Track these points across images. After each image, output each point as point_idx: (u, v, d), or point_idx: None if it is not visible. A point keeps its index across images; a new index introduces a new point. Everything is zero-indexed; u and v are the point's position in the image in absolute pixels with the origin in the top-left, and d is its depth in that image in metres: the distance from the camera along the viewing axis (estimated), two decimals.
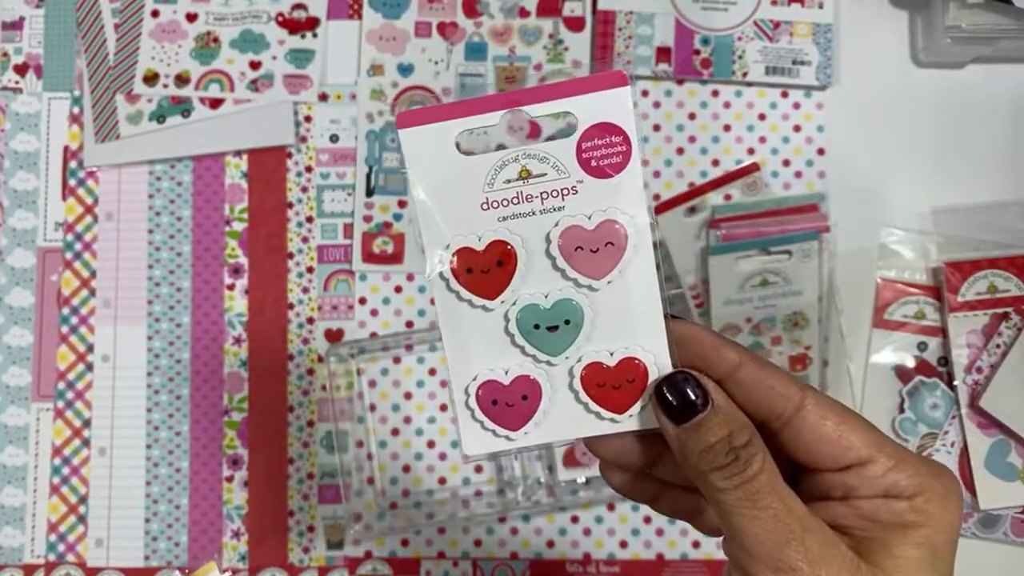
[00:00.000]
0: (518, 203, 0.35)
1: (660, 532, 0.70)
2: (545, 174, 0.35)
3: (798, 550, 0.31)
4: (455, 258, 0.35)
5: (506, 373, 0.36)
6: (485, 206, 0.35)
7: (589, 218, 0.34)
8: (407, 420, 0.71)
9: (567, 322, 0.35)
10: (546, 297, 0.35)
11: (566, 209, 0.35)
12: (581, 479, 0.69)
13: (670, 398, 0.33)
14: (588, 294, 0.35)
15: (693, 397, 0.33)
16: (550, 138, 0.33)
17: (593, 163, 0.35)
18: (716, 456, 0.32)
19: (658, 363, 0.35)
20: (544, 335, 0.35)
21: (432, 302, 0.36)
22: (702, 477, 0.33)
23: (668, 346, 0.35)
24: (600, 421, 0.35)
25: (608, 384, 0.35)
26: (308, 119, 0.74)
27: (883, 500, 0.33)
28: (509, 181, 0.35)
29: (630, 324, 0.35)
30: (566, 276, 0.35)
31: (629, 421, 0.35)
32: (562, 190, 0.35)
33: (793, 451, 0.34)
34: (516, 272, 0.35)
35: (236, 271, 0.73)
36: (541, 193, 0.35)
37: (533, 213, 0.35)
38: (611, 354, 0.35)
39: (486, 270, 0.35)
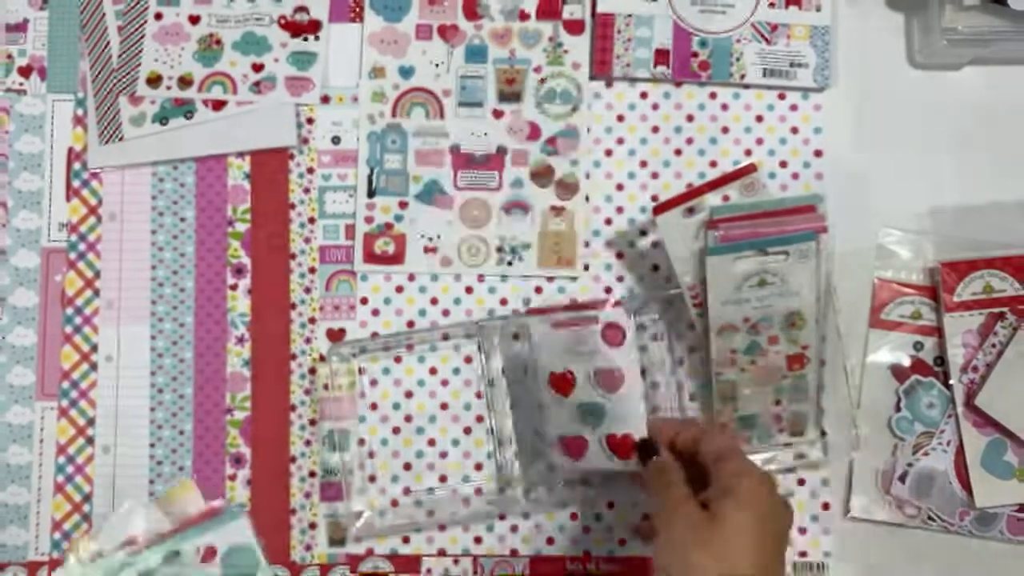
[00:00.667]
0: None
1: None
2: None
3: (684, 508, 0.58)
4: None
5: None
6: None
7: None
8: (408, 419, 0.72)
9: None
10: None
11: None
12: (580, 478, 0.69)
13: (642, 452, 0.63)
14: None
15: (649, 453, 0.63)
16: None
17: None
18: (659, 475, 0.61)
19: (639, 435, 0.64)
20: (588, 417, 0.65)
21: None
22: (651, 485, 0.62)
23: (645, 428, 0.64)
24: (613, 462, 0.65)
25: (618, 444, 0.64)
26: (310, 121, 0.74)
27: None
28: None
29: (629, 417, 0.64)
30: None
31: (629, 464, 0.64)
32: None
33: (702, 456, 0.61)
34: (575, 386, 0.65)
35: (239, 271, 0.73)
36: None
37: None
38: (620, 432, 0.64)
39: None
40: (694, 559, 0.55)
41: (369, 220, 0.73)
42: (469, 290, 0.73)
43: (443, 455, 0.72)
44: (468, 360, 0.72)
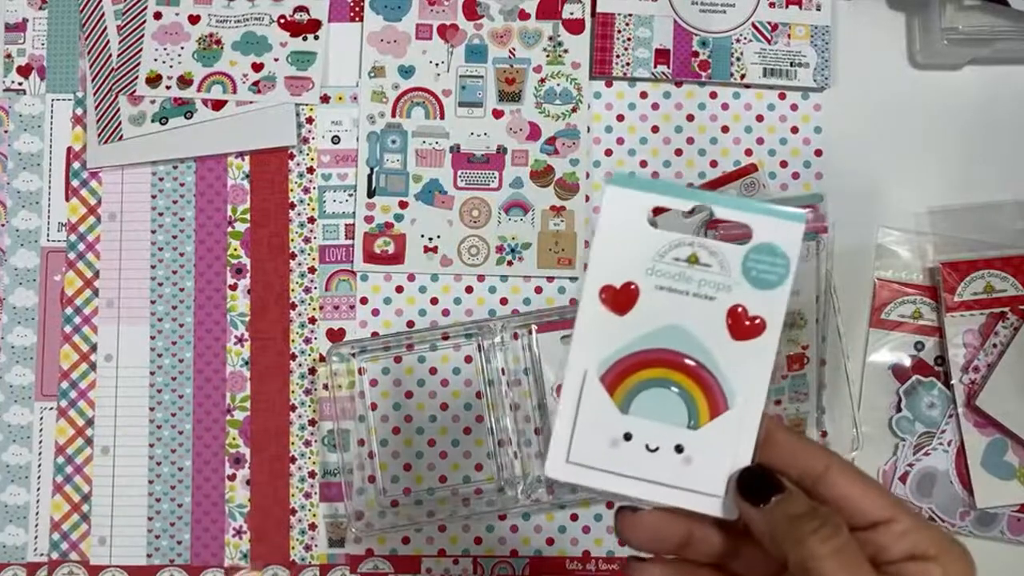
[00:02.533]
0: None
1: None
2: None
3: None
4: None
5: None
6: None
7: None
8: (408, 419, 0.72)
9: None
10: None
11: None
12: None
13: (752, 484, 0.37)
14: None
15: (770, 483, 0.37)
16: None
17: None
18: (807, 521, 0.35)
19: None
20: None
21: None
22: (799, 545, 0.35)
23: (759, 427, 0.38)
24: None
25: None
26: (310, 120, 0.74)
27: (911, 562, 0.36)
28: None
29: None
30: None
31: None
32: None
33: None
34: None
35: (238, 271, 0.73)
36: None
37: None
38: None
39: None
40: None
41: (369, 220, 0.73)
42: (469, 290, 0.72)
43: (443, 455, 0.71)
44: (468, 360, 0.72)
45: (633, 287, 0.38)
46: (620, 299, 0.38)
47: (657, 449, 0.38)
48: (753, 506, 0.36)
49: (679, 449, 0.38)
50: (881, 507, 0.36)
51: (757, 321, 0.38)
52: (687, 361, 0.38)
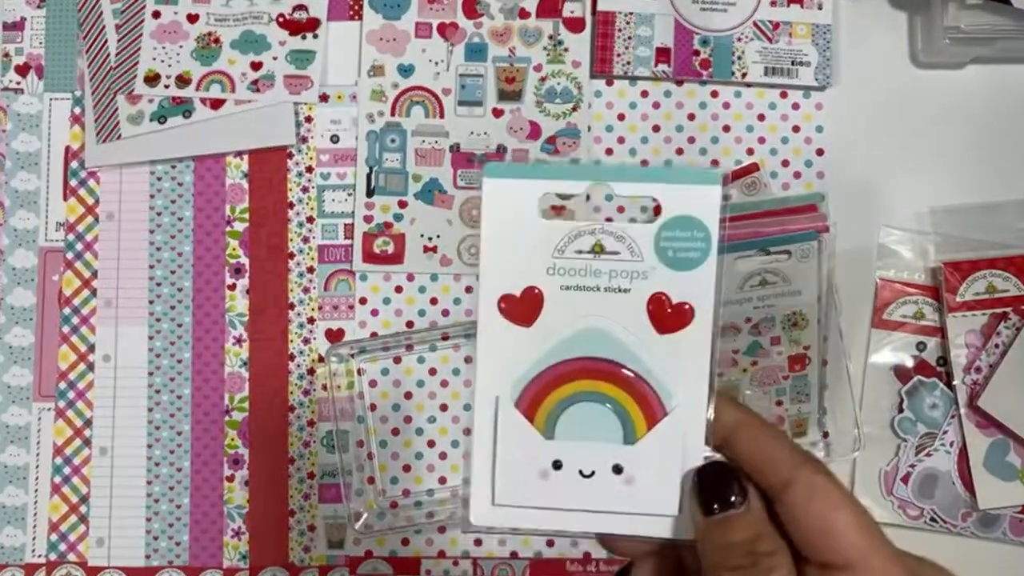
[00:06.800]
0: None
1: None
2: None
3: None
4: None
5: None
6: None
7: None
8: (407, 420, 0.71)
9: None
10: None
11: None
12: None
13: (709, 487, 0.31)
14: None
15: (732, 493, 0.31)
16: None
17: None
18: (733, 555, 0.30)
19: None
20: None
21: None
22: (714, 573, 0.30)
23: (706, 428, 0.32)
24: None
25: None
26: (309, 119, 0.74)
27: None
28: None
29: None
30: None
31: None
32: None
33: (785, 533, 0.30)
34: None
35: (237, 271, 0.73)
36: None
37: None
38: None
39: None
40: None
41: (368, 219, 0.73)
42: (469, 290, 0.72)
43: (443, 456, 0.71)
44: (468, 361, 0.72)
45: (536, 291, 0.33)
46: (522, 308, 0.33)
47: (592, 473, 0.33)
48: (701, 512, 0.31)
49: (618, 470, 0.33)
50: (842, 549, 0.29)
51: (685, 307, 0.33)
52: (610, 367, 0.33)
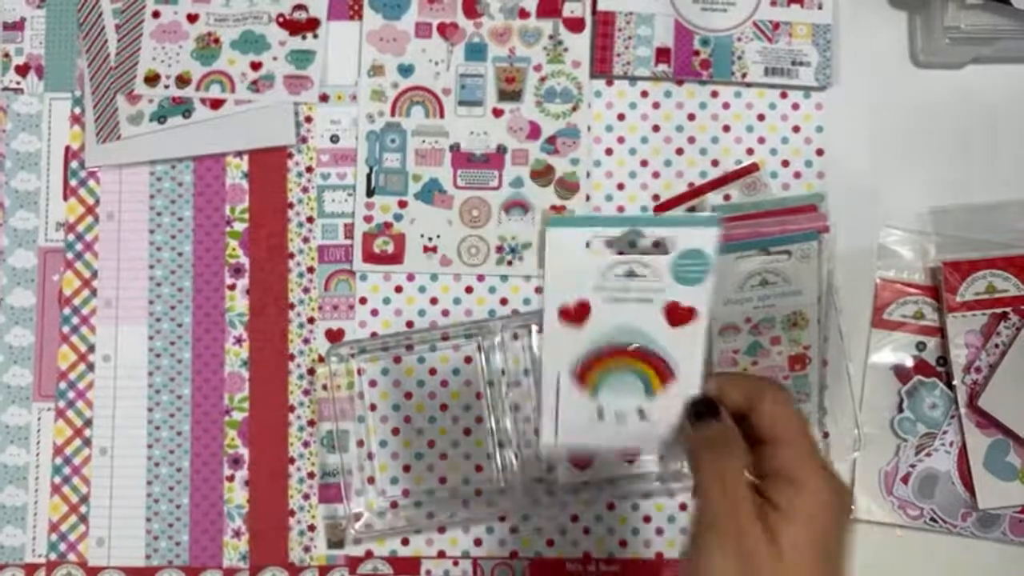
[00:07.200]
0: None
1: (660, 531, 0.70)
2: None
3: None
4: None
5: None
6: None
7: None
8: (407, 420, 0.72)
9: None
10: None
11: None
12: (581, 479, 0.69)
13: (695, 411, 0.47)
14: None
15: (705, 414, 0.46)
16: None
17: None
18: (708, 442, 0.45)
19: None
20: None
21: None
22: (697, 463, 0.45)
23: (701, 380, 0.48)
24: None
25: None
26: (309, 120, 0.74)
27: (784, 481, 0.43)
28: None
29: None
30: None
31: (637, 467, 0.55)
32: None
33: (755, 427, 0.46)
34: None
35: (237, 271, 0.73)
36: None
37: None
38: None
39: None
40: None
41: (368, 219, 0.73)
42: (469, 290, 0.72)
43: (443, 456, 0.71)
44: (468, 360, 0.72)
45: (584, 304, 0.46)
46: (577, 315, 0.46)
47: (624, 417, 0.48)
48: (689, 423, 0.46)
49: (641, 413, 0.48)
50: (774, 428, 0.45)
51: (691, 310, 0.46)
52: (637, 348, 0.47)
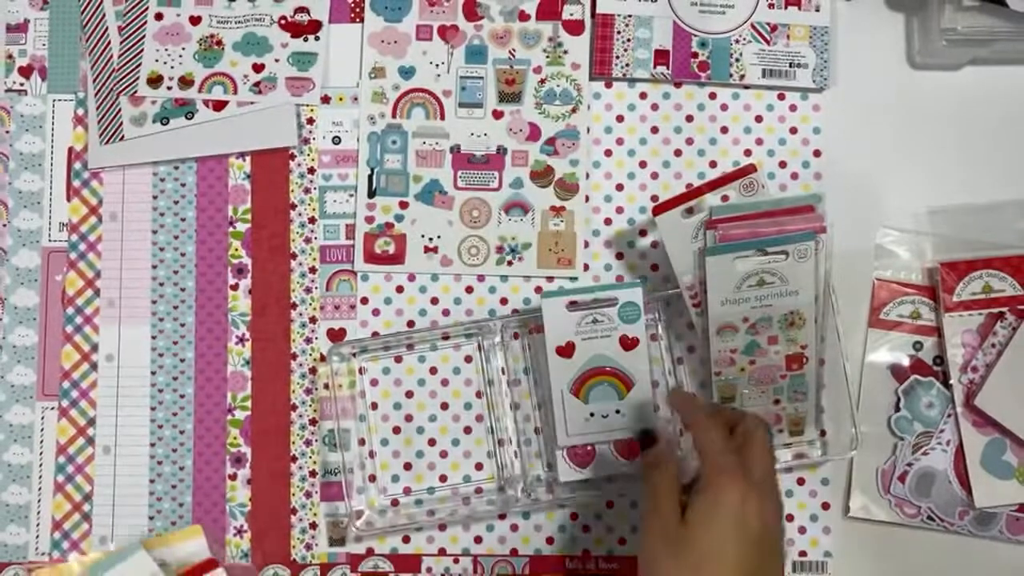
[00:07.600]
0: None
1: None
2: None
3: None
4: None
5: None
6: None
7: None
8: (408, 418, 0.72)
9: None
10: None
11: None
12: (580, 477, 0.69)
13: (641, 442, 0.67)
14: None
15: (651, 441, 0.66)
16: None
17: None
18: (653, 466, 0.59)
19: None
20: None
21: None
22: (644, 479, 0.60)
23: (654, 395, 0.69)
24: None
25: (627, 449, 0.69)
26: (311, 121, 0.74)
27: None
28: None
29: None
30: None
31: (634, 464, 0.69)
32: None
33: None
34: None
35: (239, 271, 0.73)
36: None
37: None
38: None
39: None
40: (663, 570, 0.54)
41: (369, 220, 0.73)
42: (469, 290, 0.73)
43: (443, 454, 0.72)
44: (468, 360, 0.72)
45: (571, 343, 0.67)
46: (567, 350, 0.67)
47: (607, 415, 0.68)
48: (641, 452, 0.66)
49: (618, 412, 0.68)
50: (699, 446, 0.59)
51: (633, 339, 0.67)
52: (608, 368, 0.67)
